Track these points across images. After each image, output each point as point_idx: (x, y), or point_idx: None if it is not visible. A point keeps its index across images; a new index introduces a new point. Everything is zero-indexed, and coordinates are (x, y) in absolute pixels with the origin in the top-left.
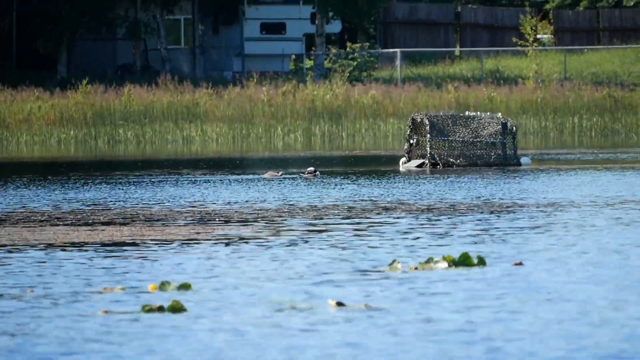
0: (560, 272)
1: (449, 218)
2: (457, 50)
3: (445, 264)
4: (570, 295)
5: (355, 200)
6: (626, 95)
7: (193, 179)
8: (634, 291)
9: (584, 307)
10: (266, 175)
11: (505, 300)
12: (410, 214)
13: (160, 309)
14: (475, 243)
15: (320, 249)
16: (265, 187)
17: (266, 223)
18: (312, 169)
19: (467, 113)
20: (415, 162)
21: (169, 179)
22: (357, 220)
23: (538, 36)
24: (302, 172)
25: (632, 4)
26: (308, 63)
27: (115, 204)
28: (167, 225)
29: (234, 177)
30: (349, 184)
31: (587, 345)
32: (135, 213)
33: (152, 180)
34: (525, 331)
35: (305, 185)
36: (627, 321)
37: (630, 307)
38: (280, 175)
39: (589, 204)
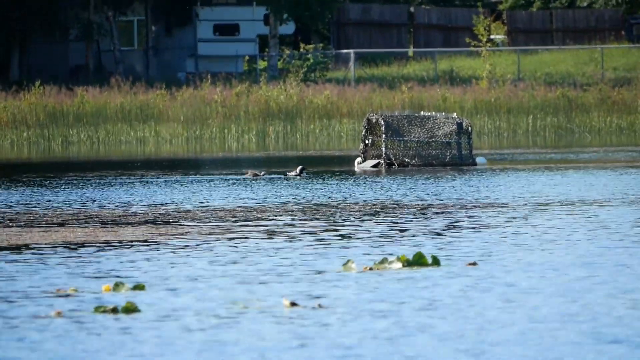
0: (514, 272)
1: (404, 218)
2: (410, 50)
3: (399, 264)
4: (521, 296)
5: (310, 201)
6: (580, 95)
7: (147, 180)
8: (588, 290)
9: (535, 310)
10: (248, 175)
11: (457, 300)
12: (365, 214)
13: (114, 310)
14: (430, 243)
15: (276, 248)
16: (221, 188)
17: (220, 223)
18: (299, 168)
19: (422, 113)
20: (370, 162)
21: (122, 180)
22: (312, 220)
23: (492, 37)
24: (288, 172)
25: (585, 4)
26: (262, 64)
27: (69, 205)
28: (120, 227)
29: (190, 178)
30: (303, 184)
31: (535, 348)
32: (88, 214)
33: (106, 181)
34: (474, 331)
35: (266, 185)
36: (574, 323)
37: (584, 307)
38: (263, 175)
39: (544, 204)
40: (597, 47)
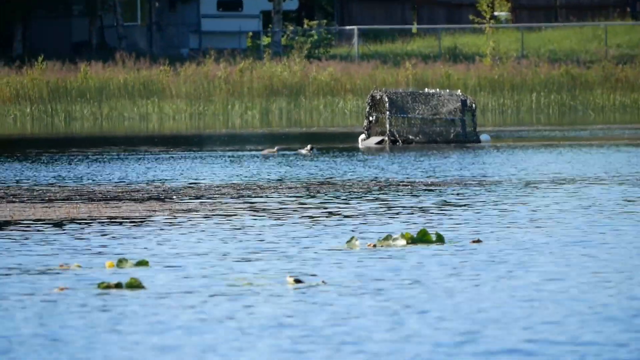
0: (518, 250)
1: (409, 195)
2: (414, 27)
3: (403, 241)
4: (524, 274)
5: (314, 178)
6: (583, 72)
7: (150, 156)
8: (589, 269)
9: (537, 287)
10: (264, 152)
11: (461, 277)
12: (369, 191)
13: (118, 285)
14: (435, 220)
15: (280, 226)
16: (226, 165)
17: (224, 200)
18: (309, 146)
19: (426, 90)
20: (374, 139)
21: (125, 156)
22: (316, 197)
23: (495, 14)
24: (300, 149)
25: None
26: (265, 40)
27: (72, 181)
28: (124, 203)
29: (194, 154)
30: (307, 161)
31: (540, 326)
32: (91, 190)
33: (109, 157)
34: (477, 308)
35: (273, 163)
36: (580, 295)
37: (586, 285)
38: (277, 151)
39: (549, 182)
40: (601, 24)
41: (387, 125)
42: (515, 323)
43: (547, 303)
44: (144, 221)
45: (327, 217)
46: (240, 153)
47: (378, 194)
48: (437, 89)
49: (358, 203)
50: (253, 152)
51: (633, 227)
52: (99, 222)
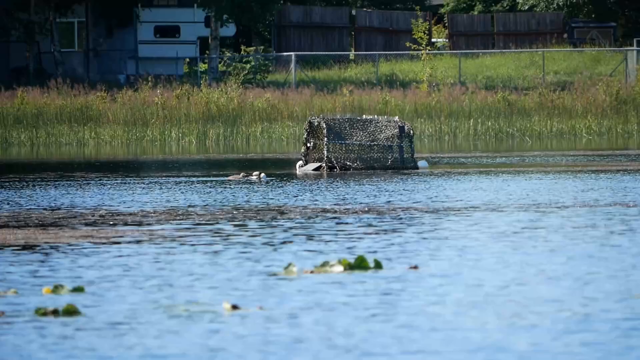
0: (453, 277)
1: (346, 221)
2: (351, 54)
3: (341, 268)
4: (453, 301)
5: (252, 204)
6: (520, 99)
7: (87, 182)
8: (524, 295)
9: (471, 315)
10: (230, 178)
11: (396, 303)
12: (307, 217)
13: (55, 312)
14: (373, 247)
15: (217, 252)
16: (162, 190)
17: (161, 226)
18: (257, 172)
19: (364, 116)
20: (312, 166)
21: (62, 182)
22: (253, 223)
23: (433, 40)
24: (248, 176)
25: (526, 8)
26: (202, 66)
27: (8, 206)
28: (60, 228)
29: (131, 180)
30: (246, 187)
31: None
32: (28, 216)
33: (46, 183)
34: (408, 337)
35: (211, 189)
36: (509, 327)
37: (519, 315)
38: (242, 177)
39: (486, 208)
40: (538, 50)
41: (325, 152)
42: (444, 352)
43: (475, 330)
44: (81, 247)
45: (264, 243)
46: (178, 179)
47: (315, 220)
48: (375, 116)
49: (295, 229)
50: (189, 179)
51: (569, 253)
52: (36, 248)
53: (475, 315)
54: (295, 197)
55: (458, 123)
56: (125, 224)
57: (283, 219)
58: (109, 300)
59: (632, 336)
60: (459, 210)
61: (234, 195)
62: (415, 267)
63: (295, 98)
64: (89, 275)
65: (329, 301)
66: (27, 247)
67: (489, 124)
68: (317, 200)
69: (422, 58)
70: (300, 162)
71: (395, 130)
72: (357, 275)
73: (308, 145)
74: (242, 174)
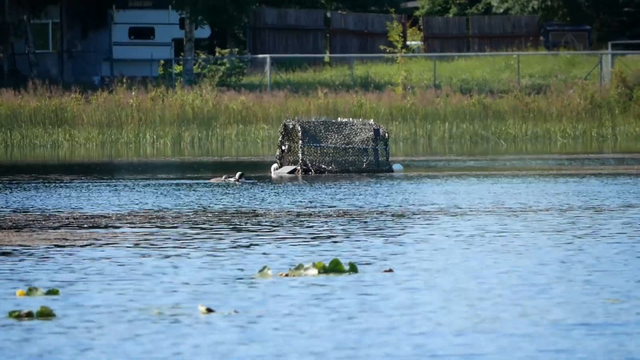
0: (429, 280)
1: (321, 224)
2: (326, 56)
3: (315, 271)
4: (426, 304)
5: (228, 207)
6: (495, 102)
7: (61, 184)
8: (498, 300)
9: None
10: (212, 180)
11: (371, 306)
12: (283, 220)
13: (29, 315)
14: (348, 249)
15: (192, 254)
16: (138, 193)
17: (136, 229)
18: (238, 174)
19: (339, 119)
20: (287, 169)
21: (36, 184)
22: (229, 226)
23: (408, 43)
24: (227, 178)
25: (501, 11)
26: (177, 68)
27: None
28: (34, 231)
29: (105, 182)
30: (222, 190)
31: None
32: (1, 218)
33: (20, 185)
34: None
35: (188, 191)
36: (492, 322)
37: (493, 318)
38: (224, 180)
39: (460, 211)
40: (513, 54)
41: (300, 155)
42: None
43: (454, 334)
44: (55, 249)
45: (239, 246)
46: (152, 182)
47: (290, 223)
48: (350, 118)
49: (270, 232)
50: (161, 181)
51: (541, 257)
52: (10, 251)
53: (449, 319)
54: (270, 200)
55: (433, 126)
56: (100, 227)
57: (258, 222)
58: (83, 303)
59: (605, 341)
60: (433, 214)
61: (208, 198)
62: (390, 271)
63: (270, 100)
64: (64, 277)
65: (303, 304)
66: (1, 250)
67: (464, 127)
68: (291, 203)
69: (398, 61)
70: (275, 165)
71: (371, 133)
72: (332, 279)
73: (283, 148)
74: (224, 177)
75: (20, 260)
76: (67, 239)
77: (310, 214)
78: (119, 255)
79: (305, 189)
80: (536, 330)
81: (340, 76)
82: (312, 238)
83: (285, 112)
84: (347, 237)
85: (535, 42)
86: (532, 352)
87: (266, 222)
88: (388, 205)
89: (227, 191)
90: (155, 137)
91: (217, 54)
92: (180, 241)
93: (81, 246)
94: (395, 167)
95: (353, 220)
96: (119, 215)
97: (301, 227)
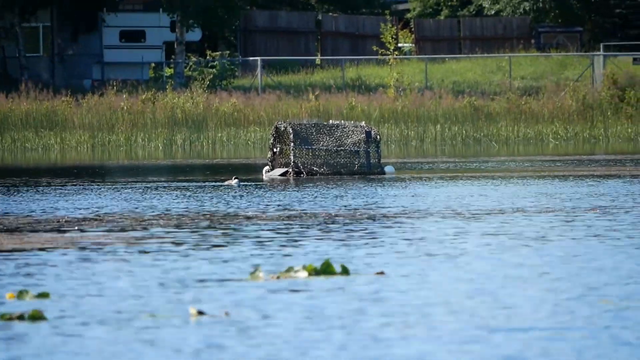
0: (421, 283)
1: (312, 226)
2: (318, 58)
3: (305, 273)
4: (420, 307)
5: (219, 209)
6: (487, 104)
7: (52, 187)
8: (491, 305)
9: (439, 322)
10: (225, 183)
11: (363, 309)
12: (274, 222)
13: (21, 317)
14: (339, 252)
15: (183, 257)
16: (129, 196)
17: (127, 231)
18: (235, 177)
19: (331, 121)
20: (278, 171)
21: (28, 187)
22: (220, 228)
23: (400, 45)
24: (225, 181)
25: (492, 13)
26: (168, 71)
27: None
28: (25, 234)
29: (95, 185)
30: (213, 192)
31: None
32: None
33: (11, 188)
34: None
35: (179, 194)
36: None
37: (484, 322)
38: (235, 182)
39: (452, 214)
40: (505, 55)
41: (291, 157)
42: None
43: (447, 338)
44: (45, 253)
45: (230, 248)
46: (142, 185)
47: (282, 225)
48: (342, 121)
49: (262, 234)
50: (155, 184)
51: (534, 259)
52: (1, 254)
53: (441, 322)
54: (261, 202)
55: (425, 128)
56: (91, 230)
57: (248, 224)
58: (75, 306)
59: (601, 343)
60: (425, 216)
61: (202, 201)
62: (382, 273)
63: (261, 103)
64: (55, 280)
65: (295, 306)
66: None
67: (456, 129)
68: (283, 206)
69: (390, 63)
70: (266, 168)
71: (362, 136)
72: (324, 280)
73: (274, 150)
74: (234, 178)
75: (10, 263)
76: (58, 242)
77: (302, 216)
78: (111, 258)
79: (296, 192)
80: (533, 334)
81: (332, 78)
82: (303, 240)
83: (277, 115)
84: (339, 240)
85: (527, 44)
86: (531, 355)
87: (257, 224)
88: (380, 208)
89: (221, 194)
90: (146, 140)
91: (208, 57)
92: (171, 244)
93: (73, 249)
94: (387, 169)
95: (345, 222)
96: (110, 218)
97: (292, 229)
